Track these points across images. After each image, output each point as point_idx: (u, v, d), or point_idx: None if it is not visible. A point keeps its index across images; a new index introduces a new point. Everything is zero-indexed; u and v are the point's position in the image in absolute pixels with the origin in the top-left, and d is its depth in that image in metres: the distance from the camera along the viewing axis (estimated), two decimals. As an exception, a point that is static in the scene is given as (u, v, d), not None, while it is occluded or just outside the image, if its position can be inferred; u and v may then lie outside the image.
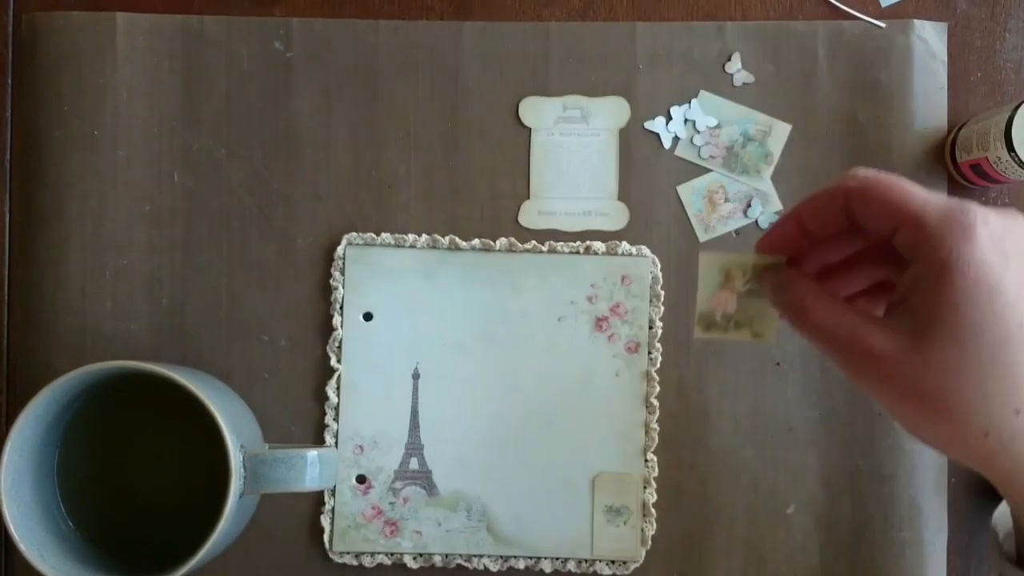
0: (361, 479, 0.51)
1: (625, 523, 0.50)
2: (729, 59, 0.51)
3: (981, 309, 0.32)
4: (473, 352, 0.50)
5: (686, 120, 0.51)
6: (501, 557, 0.50)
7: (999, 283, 0.32)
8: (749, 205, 0.51)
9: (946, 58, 0.52)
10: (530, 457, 0.50)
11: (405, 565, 0.50)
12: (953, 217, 0.32)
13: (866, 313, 0.36)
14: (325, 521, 0.50)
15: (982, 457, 0.34)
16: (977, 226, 0.32)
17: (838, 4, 0.52)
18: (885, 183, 0.34)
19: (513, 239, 0.51)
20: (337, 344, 0.51)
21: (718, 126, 0.51)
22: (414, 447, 0.50)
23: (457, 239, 0.51)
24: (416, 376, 0.51)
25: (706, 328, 0.42)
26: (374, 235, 0.51)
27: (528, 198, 0.51)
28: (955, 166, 0.50)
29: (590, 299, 0.51)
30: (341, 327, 0.51)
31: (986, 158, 0.47)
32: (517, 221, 0.51)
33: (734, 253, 0.41)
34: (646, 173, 0.51)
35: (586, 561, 0.50)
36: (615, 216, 0.51)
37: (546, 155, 0.52)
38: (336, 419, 0.51)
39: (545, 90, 0.52)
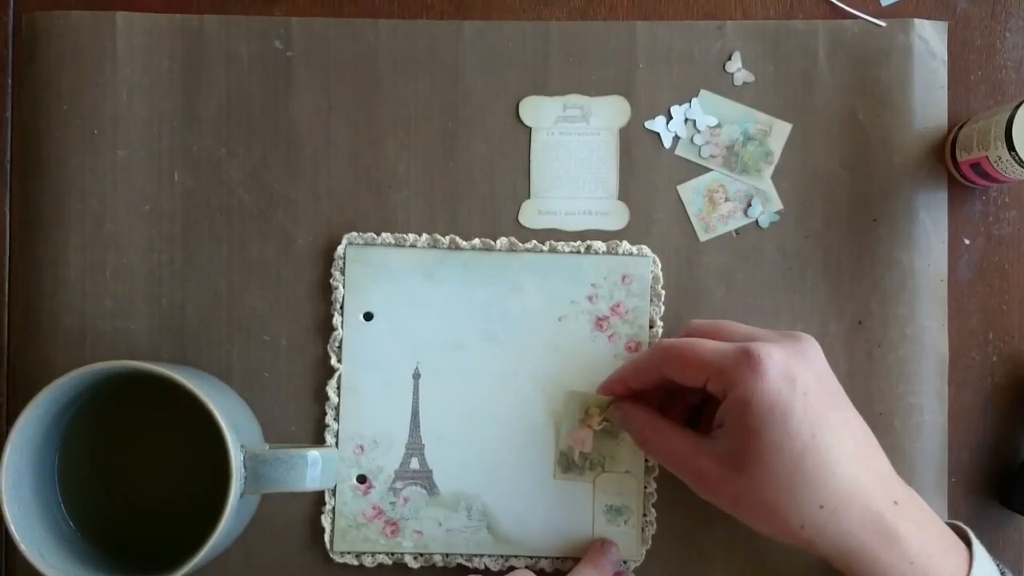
0: (362, 479, 0.51)
1: (626, 522, 0.50)
2: (729, 58, 0.51)
3: (778, 430, 0.40)
4: (474, 351, 0.50)
5: (686, 119, 0.51)
6: (502, 557, 0.50)
7: (789, 406, 0.40)
8: (749, 204, 0.51)
9: (946, 57, 0.52)
10: (531, 457, 0.50)
11: (406, 565, 0.50)
12: (743, 362, 0.41)
13: (694, 439, 0.44)
14: (326, 521, 0.50)
15: (805, 543, 0.41)
16: (764, 363, 0.40)
17: (838, 3, 0.52)
18: (686, 350, 0.43)
19: (513, 239, 0.51)
20: (337, 344, 0.51)
21: (718, 125, 0.51)
22: (415, 447, 0.50)
23: (457, 239, 0.51)
24: (416, 376, 0.51)
25: (565, 470, 0.50)
26: (374, 235, 0.51)
27: (528, 197, 0.51)
28: (955, 165, 0.50)
29: (591, 298, 0.51)
30: (341, 327, 0.51)
31: (986, 157, 0.47)
32: (517, 220, 0.51)
33: (588, 385, 0.49)
34: (646, 172, 0.51)
35: (587, 560, 0.50)
36: (615, 215, 0.51)
37: (546, 154, 0.52)
38: (336, 419, 0.51)
39: (545, 89, 0.52)
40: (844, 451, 0.40)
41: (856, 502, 0.40)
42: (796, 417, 0.40)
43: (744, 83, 0.51)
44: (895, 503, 0.41)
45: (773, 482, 0.40)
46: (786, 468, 0.40)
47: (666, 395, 0.48)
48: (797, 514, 0.40)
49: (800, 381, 0.40)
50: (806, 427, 0.40)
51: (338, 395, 0.50)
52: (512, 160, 0.52)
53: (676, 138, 0.51)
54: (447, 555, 0.50)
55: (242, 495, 0.43)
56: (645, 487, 0.50)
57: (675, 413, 0.48)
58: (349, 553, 0.50)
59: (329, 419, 0.51)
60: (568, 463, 0.50)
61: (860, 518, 0.40)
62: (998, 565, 0.43)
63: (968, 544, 0.42)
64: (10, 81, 0.52)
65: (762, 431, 0.40)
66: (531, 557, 0.50)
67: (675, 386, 0.45)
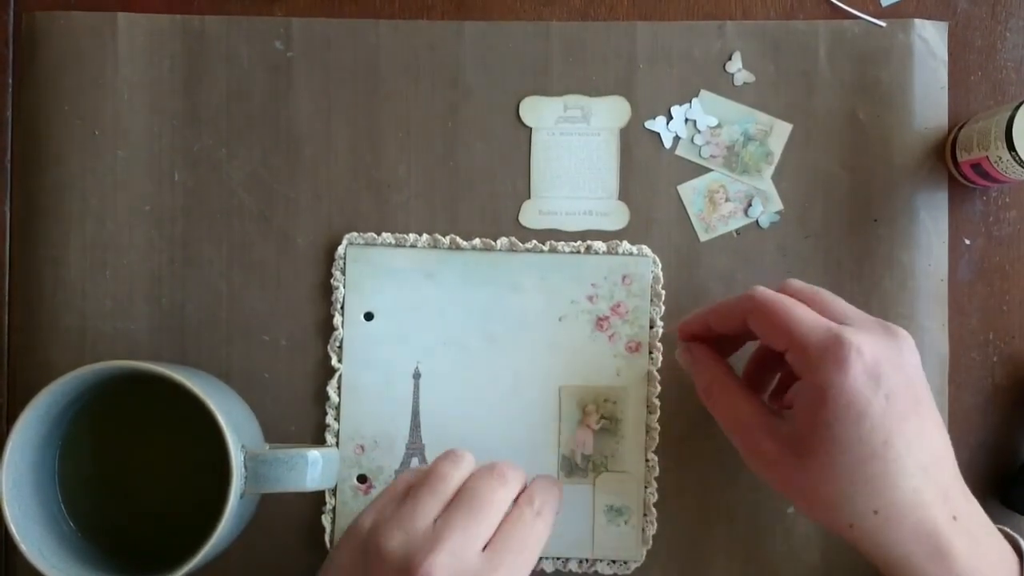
0: (362, 479, 0.51)
1: (626, 523, 0.50)
2: (730, 58, 0.51)
3: (849, 430, 0.38)
4: (474, 352, 0.50)
5: (687, 120, 0.51)
6: (502, 557, 0.50)
7: (867, 409, 0.38)
8: (750, 204, 0.51)
9: (947, 57, 0.52)
10: (531, 457, 0.50)
11: (406, 565, 0.50)
12: (830, 349, 0.38)
13: (762, 411, 0.42)
14: (326, 521, 0.50)
15: (849, 540, 0.40)
16: (850, 358, 0.38)
17: (839, 3, 0.52)
18: (776, 309, 0.41)
19: (514, 239, 0.51)
20: (338, 344, 0.51)
21: (719, 125, 0.51)
22: (415, 447, 0.50)
23: (458, 239, 0.51)
24: (417, 376, 0.51)
25: (568, 474, 0.47)
26: (375, 235, 0.51)
27: (529, 198, 0.51)
28: (955, 165, 0.50)
29: (591, 299, 0.51)
30: (342, 327, 0.51)
31: (987, 157, 0.47)
32: (518, 221, 0.51)
33: (596, 383, 0.49)
34: (647, 173, 0.51)
35: (587, 561, 0.50)
36: (616, 216, 0.51)
37: (547, 154, 0.52)
38: (337, 419, 0.51)
39: (546, 90, 0.52)
40: (912, 462, 0.38)
41: (912, 514, 0.38)
42: (871, 420, 0.38)
43: (744, 83, 0.51)
44: (954, 518, 0.39)
45: (832, 478, 0.39)
46: (848, 469, 0.38)
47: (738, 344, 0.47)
48: (848, 514, 0.39)
49: (885, 382, 0.38)
50: (880, 433, 0.38)
51: (338, 395, 0.50)
52: (512, 160, 0.52)
53: (676, 138, 0.51)
54: (447, 555, 0.50)
55: (242, 495, 0.43)
56: (645, 487, 0.50)
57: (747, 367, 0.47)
58: (349, 553, 0.50)
59: (329, 419, 0.50)
60: (571, 467, 0.50)
61: (913, 530, 0.38)
62: None
63: (1020, 554, 0.41)
64: (11, 81, 0.52)
65: (833, 426, 0.38)
66: (531, 557, 0.50)
67: (751, 338, 0.44)
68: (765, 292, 0.42)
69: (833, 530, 0.41)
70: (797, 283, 0.44)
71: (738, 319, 0.43)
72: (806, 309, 0.41)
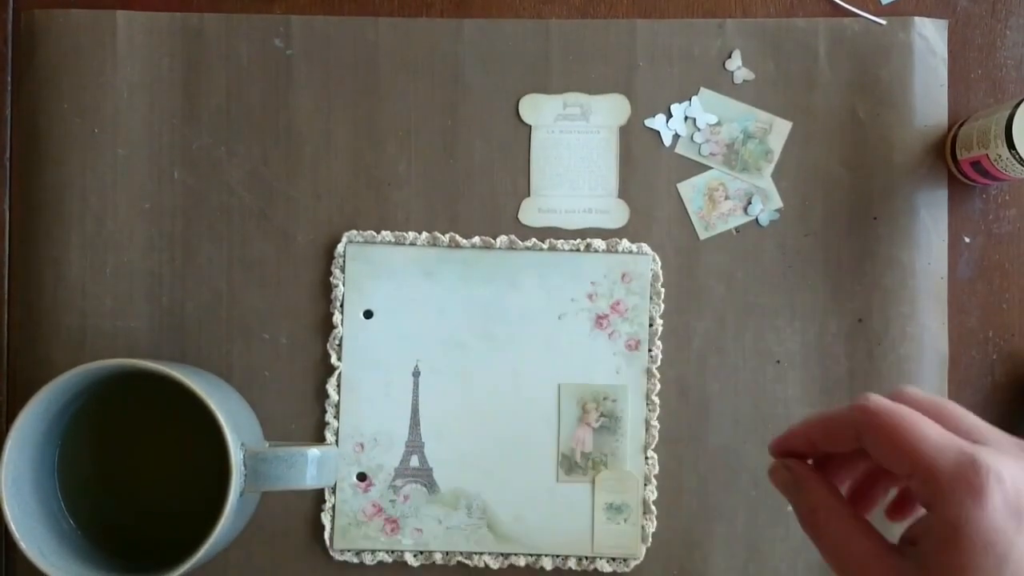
0: (362, 477, 0.51)
1: (625, 520, 0.50)
2: (729, 56, 0.51)
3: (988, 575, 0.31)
4: (473, 350, 0.50)
5: (686, 117, 0.51)
6: (502, 554, 0.50)
7: (1008, 551, 0.31)
8: (749, 202, 0.51)
9: (946, 55, 0.52)
10: (531, 455, 0.50)
11: (406, 563, 0.50)
12: (964, 475, 0.31)
13: (879, 546, 0.34)
14: (326, 519, 0.50)
15: None
16: (989, 487, 0.31)
17: (839, 1, 0.52)
18: (896, 424, 0.33)
19: (513, 237, 0.51)
20: (337, 342, 0.51)
21: (718, 123, 0.51)
22: (415, 445, 0.51)
23: (457, 237, 0.51)
24: (416, 374, 0.51)
25: (568, 472, 0.47)
26: (374, 233, 0.51)
27: (528, 195, 0.51)
28: (955, 163, 0.50)
29: (590, 296, 0.51)
30: (341, 325, 0.51)
31: (986, 155, 0.47)
32: (517, 219, 0.51)
33: (595, 381, 0.49)
34: (646, 170, 0.51)
35: (587, 558, 0.50)
36: (615, 213, 0.51)
37: (546, 152, 0.52)
38: (336, 417, 0.51)
39: (545, 87, 0.52)
40: None
41: None
42: (1015, 565, 0.31)
43: (744, 81, 0.51)
44: None
45: None
46: None
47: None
48: None
49: None
50: None
51: (338, 393, 0.50)
52: (512, 158, 0.52)
53: (676, 136, 0.51)
54: (447, 553, 0.50)
55: (242, 493, 0.43)
56: (645, 485, 0.50)
57: (842, 475, 0.39)
58: (349, 551, 0.50)
59: (329, 417, 0.51)
60: (571, 465, 0.50)
61: None
62: None
63: None
64: (10, 79, 0.52)
65: (967, 570, 0.31)
66: (531, 555, 0.50)
67: (865, 458, 0.37)
68: (881, 403, 0.34)
69: None
70: (915, 392, 0.36)
71: (849, 437, 0.35)
72: (934, 425, 0.33)
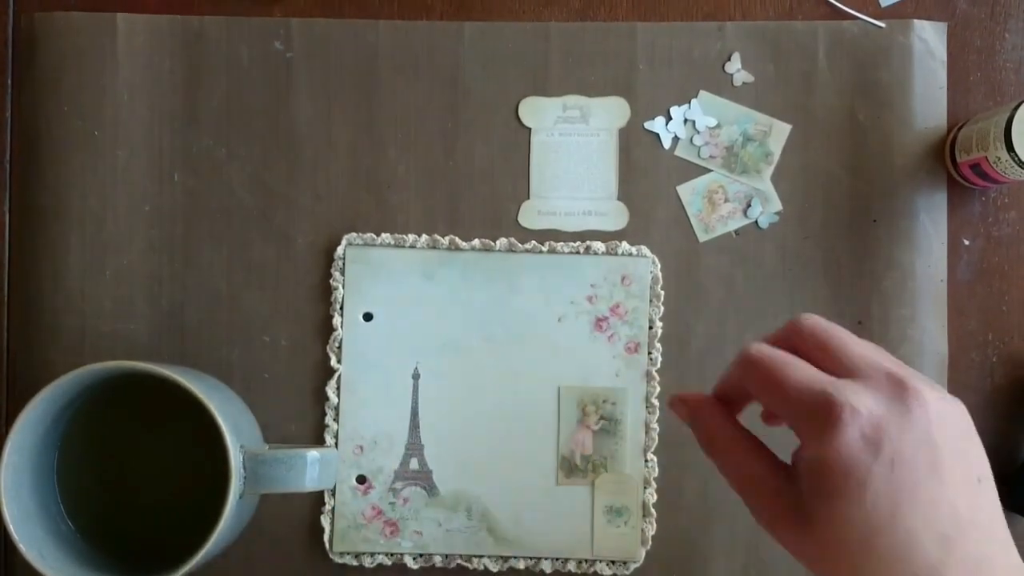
0: (361, 479, 0.51)
1: (625, 523, 0.50)
2: (729, 59, 0.52)
3: (852, 501, 0.33)
4: (473, 352, 0.50)
5: (686, 120, 0.51)
6: (501, 557, 0.50)
7: (867, 478, 0.33)
8: (749, 205, 0.51)
9: (946, 58, 0.52)
10: (531, 458, 0.50)
11: (405, 565, 0.50)
12: (822, 412, 0.34)
13: (772, 466, 0.38)
14: (325, 521, 0.50)
15: None
16: (844, 421, 0.33)
17: (838, 4, 0.52)
18: (767, 370, 0.36)
19: (513, 239, 0.51)
20: (337, 344, 0.51)
21: (718, 126, 0.51)
22: (414, 447, 0.50)
23: (457, 239, 0.51)
24: (416, 376, 0.51)
25: (568, 475, 0.47)
26: (374, 235, 0.51)
27: (528, 198, 0.51)
28: (955, 166, 0.50)
29: (590, 299, 0.51)
30: (341, 327, 0.51)
31: (985, 158, 0.47)
32: (517, 221, 0.51)
33: (596, 384, 0.49)
34: (646, 173, 0.51)
35: (586, 561, 0.50)
36: (615, 216, 0.51)
37: (546, 155, 0.52)
38: (336, 419, 0.51)
39: (545, 90, 0.52)
40: (930, 534, 0.33)
41: None
42: (874, 490, 0.33)
43: (743, 84, 0.52)
44: None
45: (838, 555, 0.34)
46: (855, 544, 0.34)
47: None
48: None
49: (888, 446, 0.33)
50: (885, 503, 0.33)
51: (338, 395, 0.50)
52: (512, 161, 0.52)
53: (675, 139, 0.51)
54: (447, 556, 0.50)
55: (241, 495, 0.43)
56: (645, 487, 0.50)
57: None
58: (348, 553, 0.50)
59: (329, 419, 0.51)
60: (570, 467, 0.50)
61: None
62: None
63: None
64: (10, 82, 0.52)
65: (834, 498, 0.34)
66: (531, 558, 0.50)
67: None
68: (760, 350, 0.37)
69: None
70: (810, 322, 0.38)
71: (737, 384, 0.39)
72: (803, 366, 0.36)
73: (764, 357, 0.36)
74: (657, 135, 0.51)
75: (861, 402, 0.34)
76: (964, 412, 0.35)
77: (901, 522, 0.33)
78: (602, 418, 0.50)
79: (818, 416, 0.34)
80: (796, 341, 0.38)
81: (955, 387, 0.51)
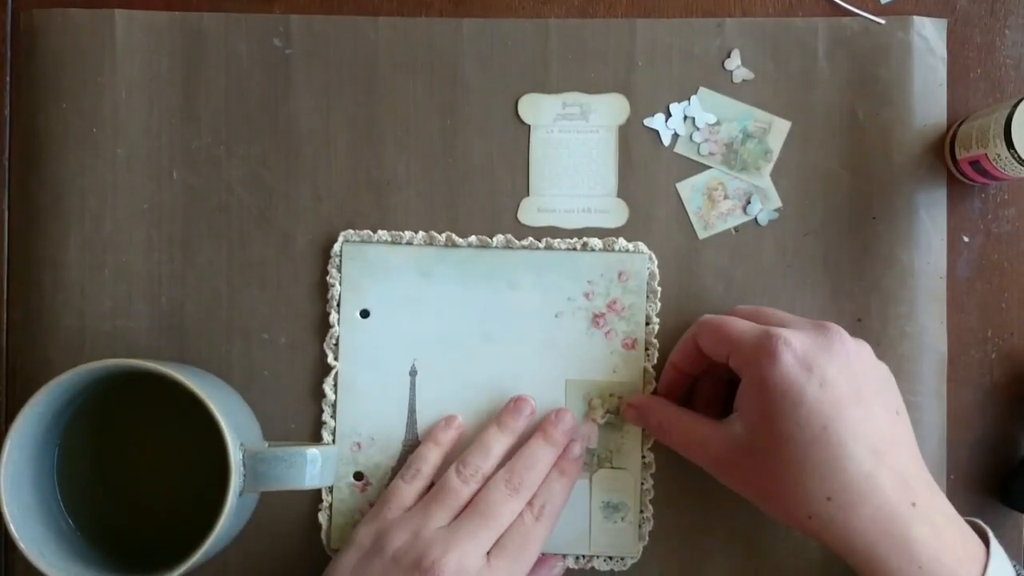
0: (359, 476, 0.51)
1: (623, 519, 0.50)
2: (728, 56, 0.51)
3: (788, 417, 0.40)
4: (470, 349, 0.51)
5: (685, 117, 0.51)
6: (500, 554, 0.50)
7: (801, 393, 0.40)
8: (748, 202, 0.51)
9: (946, 55, 0.52)
10: (529, 454, 0.50)
11: (404, 562, 0.50)
12: (761, 344, 0.41)
13: (709, 424, 0.45)
14: (323, 518, 0.50)
15: (812, 532, 0.41)
16: (779, 349, 0.41)
17: (838, 1, 0.52)
18: (714, 323, 0.45)
19: (510, 236, 0.51)
20: (334, 342, 0.51)
21: (717, 123, 0.51)
22: (411, 444, 0.51)
23: (454, 236, 0.51)
24: (413, 373, 0.51)
25: None
26: (371, 232, 0.51)
27: (527, 195, 0.51)
28: (954, 163, 0.50)
29: (587, 295, 0.51)
30: (338, 324, 0.51)
31: (985, 155, 0.47)
32: (516, 218, 0.51)
33: (595, 379, 0.50)
34: (645, 170, 0.51)
35: (584, 557, 0.50)
36: (614, 213, 0.51)
37: (545, 152, 0.52)
38: (334, 416, 0.51)
39: (544, 87, 0.52)
40: (860, 447, 0.39)
41: (868, 501, 0.39)
42: (807, 406, 0.40)
43: (743, 80, 0.51)
44: (913, 504, 0.39)
45: (782, 469, 0.40)
46: (795, 456, 0.40)
47: (701, 378, 0.49)
48: (804, 503, 0.40)
49: (818, 370, 0.40)
50: (817, 417, 0.40)
51: (335, 393, 0.51)
52: (511, 158, 0.52)
53: (675, 136, 0.51)
54: (446, 552, 0.50)
55: (241, 493, 0.43)
56: (642, 483, 0.50)
57: (706, 394, 0.49)
58: (348, 550, 0.50)
59: (326, 416, 0.51)
60: None
61: (871, 517, 0.39)
62: (1015, 567, 0.41)
63: (987, 544, 0.41)
64: (8, 79, 0.53)
65: (773, 417, 0.40)
66: (529, 554, 0.50)
67: (712, 367, 0.47)
68: (710, 316, 0.46)
69: (796, 526, 0.41)
70: (743, 307, 0.48)
71: (690, 343, 0.46)
72: (745, 321, 0.44)
73: (715, 318, 0.45)
74: (657, 132, 0.51)
75: (794, 336, 0.41)
76: (873, 354, 0.43)
77: (834, 435, 0.39)
78: (608, 412, 0.50)
79: (758, 349, 0.41)
80: (733, 315, 0.47)
81: (955, 384, 0.51)
